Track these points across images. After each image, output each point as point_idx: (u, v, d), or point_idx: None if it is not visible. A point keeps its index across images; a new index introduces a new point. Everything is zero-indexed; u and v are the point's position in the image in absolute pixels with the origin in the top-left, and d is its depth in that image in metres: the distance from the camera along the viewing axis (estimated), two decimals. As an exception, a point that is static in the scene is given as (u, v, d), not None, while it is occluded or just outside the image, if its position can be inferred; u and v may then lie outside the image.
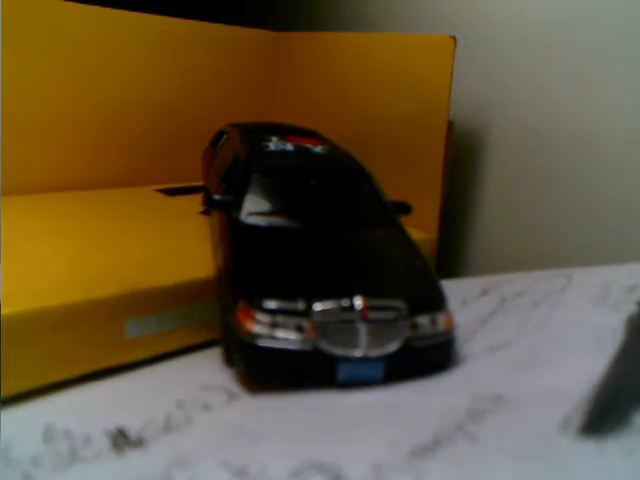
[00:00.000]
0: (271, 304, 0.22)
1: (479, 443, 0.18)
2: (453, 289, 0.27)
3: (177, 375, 0.25)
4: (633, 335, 0.24)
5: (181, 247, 0.31)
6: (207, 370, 0.25)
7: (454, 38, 0.35)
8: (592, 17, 0.37)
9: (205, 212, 0.34)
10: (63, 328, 0.24)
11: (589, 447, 0.18)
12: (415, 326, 0.23)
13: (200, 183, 0.40)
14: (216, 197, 0.28)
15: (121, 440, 0.20)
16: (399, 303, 0.23)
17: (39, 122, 0.39)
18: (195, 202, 0.31)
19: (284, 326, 0.22)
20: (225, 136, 0.37)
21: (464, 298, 0.30)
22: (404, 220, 0.30)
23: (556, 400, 0.20)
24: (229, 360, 0.24)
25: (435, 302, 0.24)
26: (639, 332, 0.24)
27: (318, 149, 0.32)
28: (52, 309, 0.23)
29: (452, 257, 0.45)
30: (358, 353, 0.22)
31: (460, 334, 0.26)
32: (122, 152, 0.43)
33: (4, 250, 0.27)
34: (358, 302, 0.22)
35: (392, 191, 0.30)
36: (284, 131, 0.35)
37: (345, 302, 0.22)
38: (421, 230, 0.36)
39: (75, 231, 0.32)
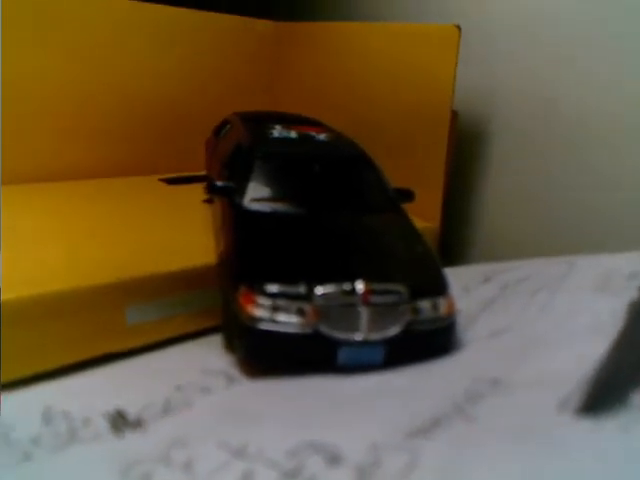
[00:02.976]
0: (272, 288, 0.22)
1: (476, 424, 0.18)
2: (456, 276, 0.27)
3: (177, 361, 0.25)
4: (633, 319, 0.23)
5: (182, 235, 0.31)
6: (207, 356, 0.25)
7: (459, 27, 0.35)
8: (594, 5, 0.36)
9: (208, 201, 0.34)
10: (64, 314, 0.24)
11: (585, 425, 0.17)
12: (416, 310, 0.23)
13: (203, 173, 0.40)
14: (218, 183, 0.28)
15: (120, 422, 0.20)
16: (400, 287, 0.23)
17: (41, 112, 0.39)
18: (198, 191, 0.31)
19: (285, 310, 0.22)
20: (228, 125, 0.37)
21: (466, 285, 0.30)
22: (408, 209, 0.30)
23: (554, 383, 0.20)
24: (230, 345, 0.24)
25: (436, 287, 0.24)
26: (639, 317, 0.24)
27: (322, 137, 0.32)
28: (53, 295, 0.23)
29: (455, 246, 0.45)
30: (359, 337, 0.22)
31: (462, 319, 0.25)
32: (125, 141, 0.43)
33: (6, 238, 0.27)
34: (359, 286, 0.22)
35: (396, 180, 0.30)
36: (288, 120, 0.35)
37: (346, 286, 0.22)
38: (424, 219, 0.36)
39: (78, 219, 0.32)
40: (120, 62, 0.42)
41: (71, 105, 0.40)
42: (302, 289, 0.22)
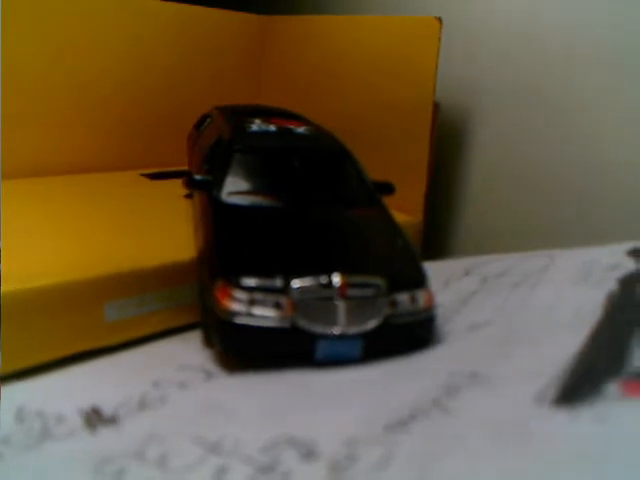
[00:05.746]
0: (249, 281, 0.22)
1: (454, 416, 0.18)
2: (437, 270, 0.27)
3: (155, 356, 0.25)
4: (611, 310, 0.23)
5: (163, 230, 0.30)
6: (186, 351, 0.24)
7: (440, 19, 0.35)
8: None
9: (189, 196, 0.34)
10: (41, 310, 0.23)
11: (562, 416, 0.17)
12: (394, 303, 0.23)
13: (185, 168, 0.40)
14: (196, 177, 0.28)
15: (94, 418, 0.20)
16: (378, 280, 0.23)
17: (23, 108, 0.39)
18: (180, 186, 0.31)
19: (262, 303, 0.22)
20: (209, 119, 0.36)
21: (447, 278, 0.30)
22: (390, 203, 0.29)
23: (532, 376, 0.20)
24: (208, 340, 0.24)
25: (415, 280, 0.24)
26: (617, 307, 0.24)
27: (301, 130, 0.31)
28: (30, 291, 0.23)
29: (437, 240, 0.45)
30: (336, 330, 0.22)
31: (441, 313, 0.25)
32: (107, 136, 0.43)
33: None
34: (336, 279, 0.22)
35: (378, 173, 0.30)
36: (267, 113, 0.35)
37: (323, 279, 0.22)
38: (406, 213, 0.36)
39: (58, 214, 0.32)
40: (103, 57, 0.41)
41: (54, 102, 0.40)
42: (279, 282, 0.22)
